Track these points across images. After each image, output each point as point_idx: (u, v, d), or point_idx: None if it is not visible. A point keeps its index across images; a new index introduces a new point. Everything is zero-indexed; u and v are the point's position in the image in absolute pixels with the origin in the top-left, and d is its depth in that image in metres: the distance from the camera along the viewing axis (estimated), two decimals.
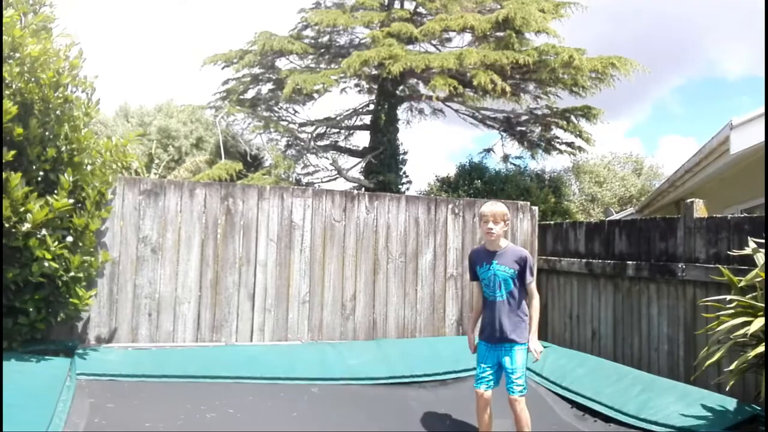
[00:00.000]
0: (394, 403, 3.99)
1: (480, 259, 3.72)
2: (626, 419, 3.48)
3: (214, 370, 3.99)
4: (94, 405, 3.11)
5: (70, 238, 3.85)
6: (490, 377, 3.61)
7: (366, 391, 4.14)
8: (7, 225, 3.49)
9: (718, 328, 2.65)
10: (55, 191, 3.79)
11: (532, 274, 3.65)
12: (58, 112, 3.83)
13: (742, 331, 2.39)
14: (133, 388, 3.58)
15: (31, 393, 2.96)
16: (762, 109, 5.05)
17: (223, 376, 3.95)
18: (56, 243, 3.69)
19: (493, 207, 3.64)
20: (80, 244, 3.93)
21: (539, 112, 13.94)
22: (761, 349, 2.36)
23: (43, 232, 3.63)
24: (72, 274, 3.85)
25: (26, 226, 3.52)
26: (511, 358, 3.57)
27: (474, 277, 3.78)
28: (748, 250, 2.94)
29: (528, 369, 4.47)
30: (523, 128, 14.39)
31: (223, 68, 14.12)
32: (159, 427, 2.86)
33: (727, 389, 2.90)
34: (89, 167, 4.05)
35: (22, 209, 3.50)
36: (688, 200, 4.15)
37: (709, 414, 3.12)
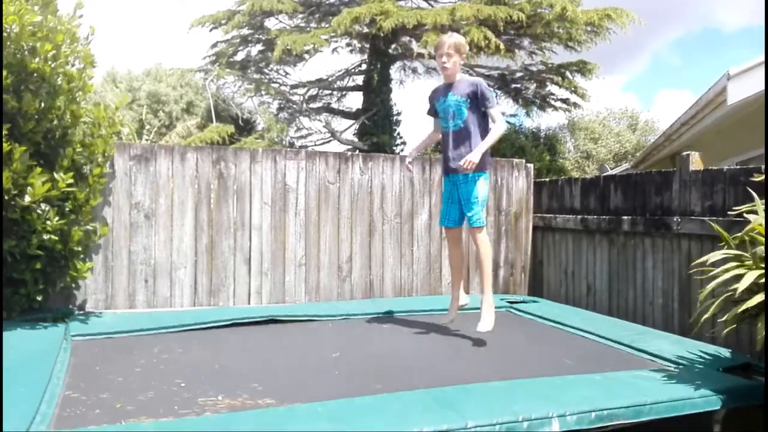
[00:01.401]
0: (384, 327, 4.07)
1: (438, 94, 3.81)
2: (619, 347, 3.52)
3: (210, 317, 4.06)
4: (90, 360, 3.16)
5: (67, 209, 3.81)
6: (451, 213, 3.79)
7: (358, 321, 4.28)
8: (6, 197, 3.45)
9: (711, 284, 2.66)
10: (51, 164, 3.74)
11: (489, 99, 3.62)
12: (55, 84, 3.74)
13: (742, 285, 2.39)
14: (129, 341, 3.62)
15: (29, 357, 2.99)
16: (760, 58, 4.97)
17: (220, 320, 4.02)
18: (56, 218, 3.67)
19: (447, 38, 3.68)
20: (79, 218, 3.91)
21: (534, 69, 13.77)
22: (756, 299, 2.37)
23: (43, 206, 3.60)
24: (70, 246, 3.84)
25: (26, 200, 3.48)
26: (464, 190, 3.66)
27: (431, 112, 3.94)
28: (746, 208, 2.92)
29: (526, 312, 4.54)
30: (518, 85, 14.24)
31: (211, 30, 13.84)
32: (158, 365, 2.92)
33: (720, 340, 2.94)
34: (82, 138, 3.98)
35: (22, 182, 3.46)
36: (684, 153, 4.12)
37: (703, 356, 3.17)
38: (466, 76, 3.82)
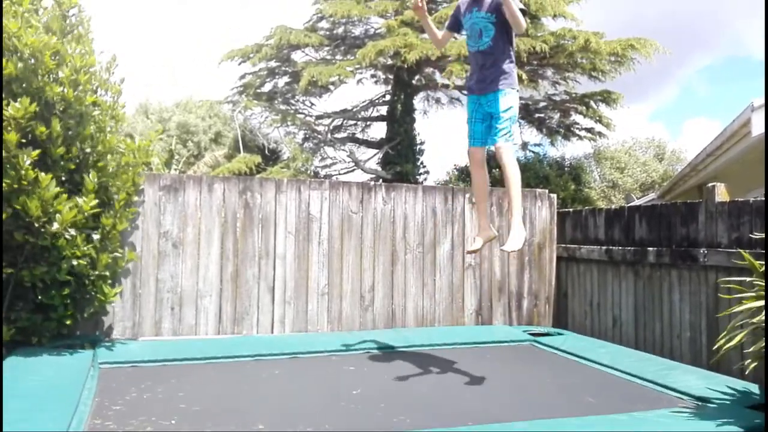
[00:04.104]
0: (405, 361, 4.02)
1: (465, 8, 3.63)
2: (645, 383, 3.45)
3: (234, 351, 4.10)
4: (117, 389, 3.20)
5: (96, 236, 3.92)
6: (477, 130, 3.61)
7: (380, 355, 4.29)
8: (36, 225, 3.57)
9: (736, 309, 2.62)
10: (81, 191, 3.86)
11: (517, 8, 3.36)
12: (80, 110, 3.89)
13: (760, 317, 2.36)
14: (155, 371, 3.66)
15: (58, 383, 3.06)
16: None
17: (243, 354, 4.06)
18: (84, 243, 3.78)
19: None
20: (107, 243, 4.02)
21: (558, 98, 13.78)
22: None
23: (72, 232, 3.70)
24: (98, 272, 3.94)
25: (55, 226, 3.59)
26: (495, 104, 3.48)
27: (452, 25, 3.77)
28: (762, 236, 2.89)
29: (551, 346, 4.48)
30: (542, 115, 14.25)
31: (240, 63, 14.20)
32: (186, 402, 2.93)
33: (747, 373, 2.87)
34: (115, 168, 4.12)
35: (51, 209, 3.58)
36: (710, 184, 4.08)
37: (730, 392, 3.09)
38: None
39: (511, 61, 3.56)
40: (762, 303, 2.48)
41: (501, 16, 3.44)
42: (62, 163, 3.81)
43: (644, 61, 11.93)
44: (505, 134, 3.46)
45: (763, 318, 2.38)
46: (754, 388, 3.13)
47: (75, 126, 3.86)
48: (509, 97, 3.51)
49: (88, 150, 3.98)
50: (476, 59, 3.61)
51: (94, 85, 4.06)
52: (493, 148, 3.56)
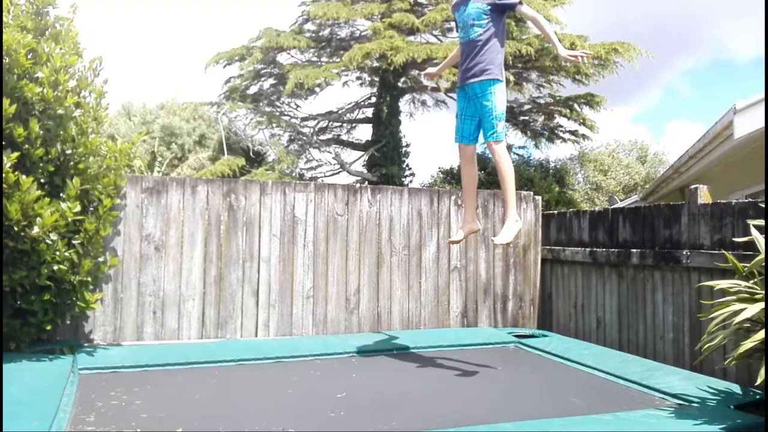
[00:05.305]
0: (390, 364, 3.96)
1: (459, 4, 3.78)
2: (629, 384, 3.47)
3: (217, 356, 4.06)
4: (97, 395, 3.14)
5: (77, 241, 3.85)
6: (464, 129, 3.73)
7: (365, 358, 4.19)
8: (16, 228, 3.50)
9: (717, 312, 2.64)
10: (62, 194, 3.79)
11: None
12: (60, 111, 3.82)
13: (741, 317, 2.38)
14: (136, 376, 3.61)
15: (37, 389, 3.00)
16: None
17: (226, 359, 4.03)
18: (65, 248, 3.71)
19: None
20: (89, 248, 3.95)
21: (542, 101, 13.88)
22: (760, 335, 2.35)
23: (53, 237, 3.63)
24: (80, 278, 3.87)
25: (36, 230, 3.52)
26: (480, 104, 3.61)
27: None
28: (753, 236, 2.91)
29: (535, 348, 4.48)
30: (526, 117, 14.34)
31: (225, 66, 14.12)
32: (164, 407, 2.89)
33: (732, 375, 2.89)
34: (97, 171, 4.04)
35: (31, 213, 3.51)
36: (692, 186, 4.12)
37: (714, 392, 3.12)
38: None
39: (500, 53, 3.66)
40: (743, 306, 2.49)
41: (497, 11, 3.61)
42: (41, 164, 3.74)
43: (627, 65, 12.06)
44: (494, 134, 3.56)
45: (743, 318, 2.40)
46: (736, 388, 3.15)
47: (55, 127, 3.79)
48: (498, 95, 3.59)
49: (69, 152, 3.91)
50: (465, 49, 3.70)
51: (71, 85, 3.98)
52: (487, 143, 3.71)
